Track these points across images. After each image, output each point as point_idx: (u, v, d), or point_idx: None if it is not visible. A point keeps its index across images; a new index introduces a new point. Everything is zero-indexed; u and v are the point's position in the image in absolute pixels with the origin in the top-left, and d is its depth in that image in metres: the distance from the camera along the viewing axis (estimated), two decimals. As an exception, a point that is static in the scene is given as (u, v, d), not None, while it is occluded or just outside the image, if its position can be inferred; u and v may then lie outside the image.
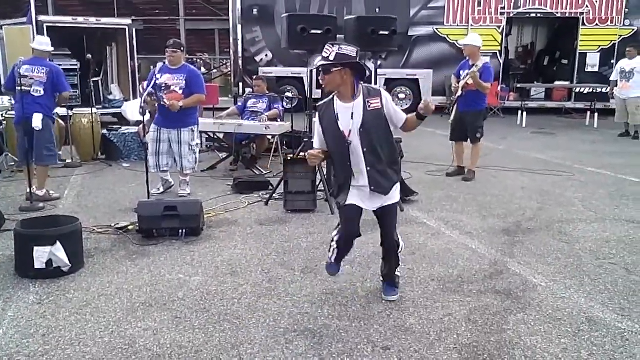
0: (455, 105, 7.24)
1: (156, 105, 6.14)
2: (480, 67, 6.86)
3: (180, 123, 6.15)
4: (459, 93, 7.09)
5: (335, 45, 3.33)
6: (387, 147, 3.46)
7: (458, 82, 7.18)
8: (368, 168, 3.41)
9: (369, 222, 5.38)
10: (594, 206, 5.99)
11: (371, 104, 3.37)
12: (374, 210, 3.59)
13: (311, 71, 6.17)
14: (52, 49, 6.44)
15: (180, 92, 6.05)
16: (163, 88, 6.03)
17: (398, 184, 3.59)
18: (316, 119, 3.56)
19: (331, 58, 3.29)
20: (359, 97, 3.38)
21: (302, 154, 6.24)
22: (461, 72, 7.17)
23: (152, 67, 11.92)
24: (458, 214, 5.72)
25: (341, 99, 3.41)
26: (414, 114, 3.45)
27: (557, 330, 3.32)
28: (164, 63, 6.21)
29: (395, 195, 3.55)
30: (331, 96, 3.47)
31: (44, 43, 6.30)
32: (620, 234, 5.09)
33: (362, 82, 3.43)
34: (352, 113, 3.36)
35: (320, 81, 3.46)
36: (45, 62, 6.11)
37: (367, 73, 3.40)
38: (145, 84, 6.07)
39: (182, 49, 6.24)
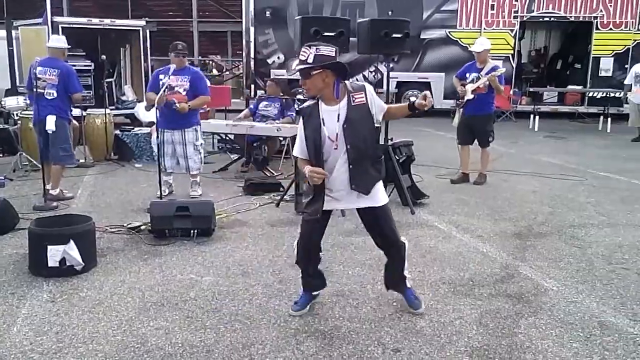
0: (462, 108, 7.08)
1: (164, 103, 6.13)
2: (501, 71, 6.77)
3: (184, 123, 6.19)
4: (470, 96, 6.90)
5: (312, 47, 3.11)
6: (372, 144, 3.29)
7: (462, 85, 7.05)
8: (350, 166, 3.21)
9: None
10: (607, 211, 5.95)
11: (355, 98, 3.19)
12: (360, 214, 3.43)
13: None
14: (68, 46, 6.49)
15: (184, 93, 6.08)
16: (167, 89, 6.05)
17: (381, 184, 3.39)
18: (299, 125, 3.35)
19: (310, 60, 3.07)
20: (344, 98, 3.20)
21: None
22: (467, 74, 7.03)
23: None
24: (469, 218, 5.70)
25: (326, 102, 3.22)
26: (405, 104, 3.33)
27: (569, 335, 3.30)
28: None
29: (381, 197, 3.37)
30: (315, 99, 3.26)
31: (59, 40, 6.36)
32: (632, 239, 5.05)
33: (343, 81, 3.23)
34: (339, 114, 3.18)
35: (302, 86, 3.27)
36: (58, 62, 6.13)
37: (348, 71, 3.22)
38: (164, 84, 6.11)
39: (186, 52, 6.39)
